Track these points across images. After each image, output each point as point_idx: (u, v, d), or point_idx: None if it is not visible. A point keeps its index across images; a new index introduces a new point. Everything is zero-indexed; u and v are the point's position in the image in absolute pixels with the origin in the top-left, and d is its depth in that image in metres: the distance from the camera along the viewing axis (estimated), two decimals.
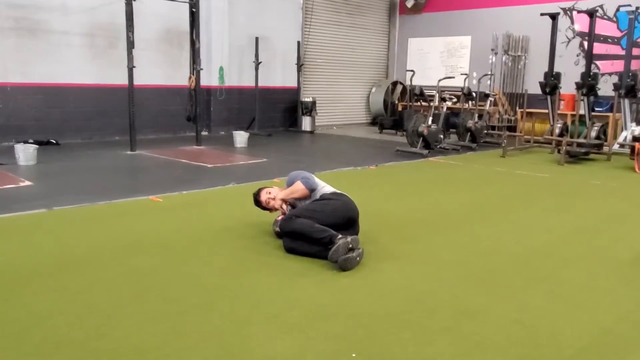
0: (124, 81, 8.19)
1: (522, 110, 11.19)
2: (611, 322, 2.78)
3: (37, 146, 7.11)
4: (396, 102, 13.44)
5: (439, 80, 9.73)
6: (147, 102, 9.82)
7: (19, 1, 8.32)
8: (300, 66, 11.91)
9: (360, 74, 14.06)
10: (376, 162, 7.69)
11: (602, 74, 10.94)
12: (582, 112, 9.34)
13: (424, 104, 11.75)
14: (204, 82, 9.70)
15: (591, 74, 9.01)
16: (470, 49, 13.02)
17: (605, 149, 8.88)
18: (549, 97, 9.52)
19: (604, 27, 10.93)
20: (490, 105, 10.95)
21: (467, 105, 10.81)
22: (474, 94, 10.61)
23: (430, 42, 13.72)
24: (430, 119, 8.95)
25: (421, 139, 8.66)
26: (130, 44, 7.87)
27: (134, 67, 7.98)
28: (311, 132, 11.75)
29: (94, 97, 9.30)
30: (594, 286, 3.27)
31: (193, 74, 8.91)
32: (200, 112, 9.18)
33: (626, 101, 9.44)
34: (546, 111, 9.89)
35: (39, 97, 8.73)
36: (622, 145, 9.07)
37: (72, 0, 8.84)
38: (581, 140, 8.79)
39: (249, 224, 4.41)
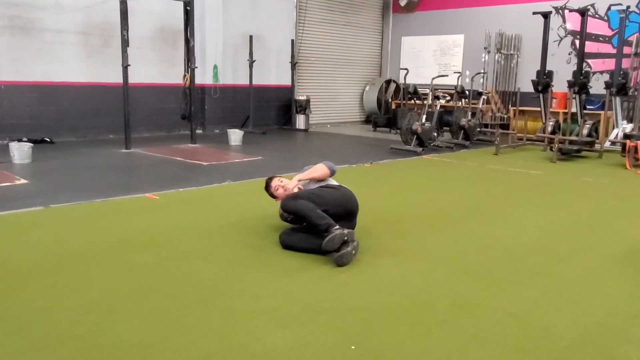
0: (119, 79, 8.19)
1: (514, 108, 11.27)
2: (603, 315, 2.83)
3: (31, 144, 7.10)
4: (390, 100, 13.50)
5: (433, 79, 9.78)
6: (142, 100, 9.82)
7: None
8: (294, 64, 11.94)
9: (354, 72, 14.10)
10: (370, 159, 7.74)
11: (594, 73, 11.03)
12: (574, 110, 9.42)
13: (417, 102, 11.81)
14: (198, 80, 9.73)
15: (583, 72, 9.09)
16: (463, 47, 13.09)
17: (597, 146, 8.97)
18: (541, 95, 9.60)
19: (595, 26, 11.03)
20: (483, 104, 11.02)
21: (460, 103, 10.89)
22: (467, 92, 10.69)
23: (424, 40, 13.78)
24: (424, 117, 9.00)
25: (415, 136, 8.71)
26: (125, 43, 7.87)
27: (129, 65, 7.99)
28: (305, 130, 11.79)
29: (88, 95, 9.29)
30: (587, 280, 3.33)
31: (187, 72, 8.92)
32: (195, 110, 9.20)
33: (617, 99, 9.54)
34: (538, 109, 9.97)
35: (34, 96, 8.72)
36: (613, 143, 9.15)
37: None
38: (573, 137, 8.87)
39: (246, 221, 4.44)
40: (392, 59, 14.50)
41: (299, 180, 4.06)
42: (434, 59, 13.64)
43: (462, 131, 9.93)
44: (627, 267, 3.59)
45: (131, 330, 2.54)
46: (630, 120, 9.50)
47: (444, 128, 10.84)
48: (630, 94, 9.65)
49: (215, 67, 10.80)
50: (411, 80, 12.02)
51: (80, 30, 9.06)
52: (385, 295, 3.02)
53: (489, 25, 12.20)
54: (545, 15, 9.51)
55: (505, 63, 12.25)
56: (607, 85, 9.23)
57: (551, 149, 8.69)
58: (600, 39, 11.12)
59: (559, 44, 11.57)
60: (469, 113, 10.26)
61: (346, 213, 3.87)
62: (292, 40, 11.93)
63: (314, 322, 2.66)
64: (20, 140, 7.56)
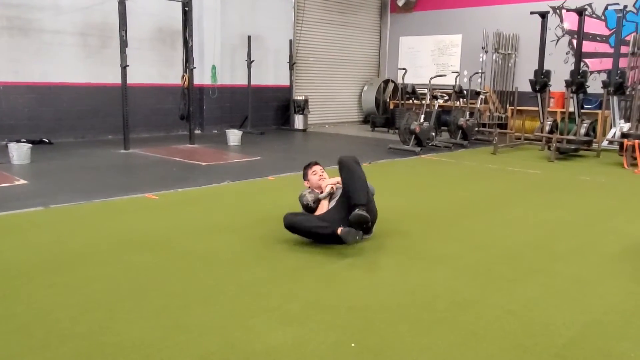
0: (117, 80, 8.20)
1: (512, 107, 11.30)
2: (601, 312, 2.85)
3: (30, 145, 7.11)
4: (388, 100, 13.52)
5: (431, 79, 9.81)
6: (140, 100, 9.83)
7: (11, 0, 8.31)
8: (292, 65, 11.95)
9: (352, 72, 14.12)
10: (369, 159, 7.76)
11: (591, 72, 11.06)
12: (571, 109, 9.45)
13: (415, 102, 11.85)
14: (196, 80, 9.73)
15: (580, 71, 9.12)
16: (461, 47, 13.12)
17: (595, 145, 9.00)
18: (539, 95, 9.63)
19: (592, 26, 11.06)
20: (481, 103, 11.05)
21: (458, 103, 10.91)
22: (465, 92, 10.71)
23: (422, 40, 13.81)
24: (422, 116, 9.03)
25: (413, 136, 8.74)
26: (124, 43, 7.88)
27: (127, 66, 8.00)
28: (304, 131, 11.80)
29: (87, 96, 9.29)
30: (585, 278, 3.35)
31: (186, 73, 8.93)
32: (193, 110, 9.20)
33: (615, 98, 9.57)
34: (536, 109, 10.01)
35: (32, 96, 8.72)
36: (611, 142, 9.18)
37: (64, 0, 8.83)
38: (571, 137, 8.90)
39: (245, 220, 4.46)
40: (390, 59, 14.52)
41: (338, 183, 4.09)
42: (432, 58, 13.67)
43: (460, 131, 9.95)
44: (625, 264, 3.62)
45: (132, 329, 2.56)
46: (627, 120, 9.53)
47: (442, 128, 10.87)
48: (628, 93, 9.68)
49: (214, 67, 10.82)
50: (409, 80, 12.05)
51: (78, 31, 9.07)
52: (384, 293, 3.04)
53: (487, 25, 12.23)
54: (543, 15, 9.54)
55: (503, 63, 12.28)
56: (605, 85, 9.26)
57: (549, 148, 8.71)
58: (598, 38, 11.16)
59: (556, 44, 11.60)
60: (467, 113, 10.29)
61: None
62: (290, 41, 11.95)
63: (314, 320, 2.68)
64: (19, 141, 7.57)
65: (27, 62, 8.58)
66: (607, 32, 11.04)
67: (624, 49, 10.11)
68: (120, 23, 7.85)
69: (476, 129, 10.32)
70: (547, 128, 9.49)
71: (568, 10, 10.33)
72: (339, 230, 3.62)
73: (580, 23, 9.11)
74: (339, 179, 4.05)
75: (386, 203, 5.29)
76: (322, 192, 4.15)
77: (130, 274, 3.26)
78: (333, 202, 4.03)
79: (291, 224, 3.80)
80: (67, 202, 4.91)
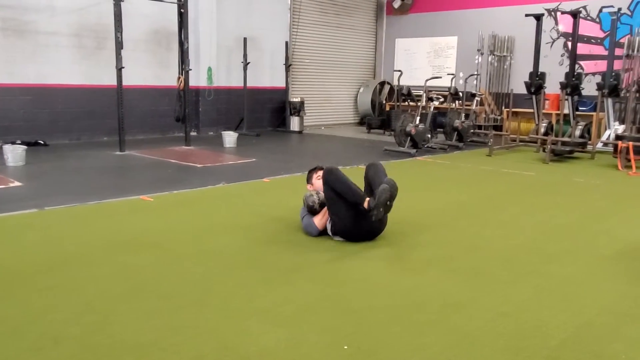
0: (113, 82, 8.20)
1: (508, 109, 11.32)
2: (594, 314, 2.87)
3: (25, 147, 7.09)
4: (384, 102, 13.54)
5: (426, 81, 9.83)
6: (136, 102, 9.82)
7: (6, 2, 8.29)
8: (288, 66, 11.96)
9: (348, 74, 14.14)
10: (364, 161, 7.74)
11: (586, 74, 11.12)
12: (566, 111, 9.49)
13: (411, 104, 11.86)
14: (192, 82, 9.73)
15: (575, 74, 9.16)
16: (456, 49, 13.15)
17: (589, 147, 9.03)
18: (534, 97, 9.66)
19: (587, 28, 11.11)
20: (476, 105, 11.09)
21: (454, 105, 10.94)
22: (460, 94, 10.74)
23: (417, 42, 13.84)
24: (418, 118, 9.04)
25: (409, 138, 8.75)
26: (119, 45, 7.88)
27: (123, 67, 7.99)
28: (299, 132, 11.81)
29: (82, 97, 9.28)
30: (578, 280, 3.36)
31: (182, 75, 8.93)
32: (189, 112, 9.21)
33: (609, 100, 9.63)
34: (531, 110, 10.04)
35: (27, 98, 8.70)
36: (605, 144, 9.23)
37: (59, 1, 8.82)
38: (566, 139, 8.93)
39: (240, 222, 4.46)
40: (386, 61, 14.55)
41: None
42: (427, 60, 13.70)
43: (456, 133, 9.97)
44: (618, 266, 3.63)
45: (126, 330, 2.56)
46: (622, 122, 9.57)
47: (438, 130, 10.90)
48: (622, 95, 9.73)
49: (210, 69, 10.82)
50: (405, 82, 12.08)
51: (73, 33, 9.06)
52: (378, 295, 3.05)
53: (482, 27, 12.28)
54: (538, 18, 9.57)
55: (498, 65, 12.32)
56: (599, 87, 9.30)
57: (544, 150, 8.74)
58: (592, 40, 11.20)
59: (551, 46, 11.65)
60: (463, 115, 10.32)
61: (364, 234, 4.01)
62: (286, 42, 11.96)
63: (307, 322, 2.69)
64: (13, 143, 7.55)
65: (22, 63, 8.57)
66: (601, 35, 11.09)
67: (618, 51, 10.17)
68: (116, 25, 7.85)
69: (472, 130, 10.34)
70: (542, 130, 9.52)
71: (563, 12, 10.37)
72: (367, 200, 3.75)
73: (575, 25, 9.16)
74: None
75: None
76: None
77: (124, 275, 3.26)
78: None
79: (334, 171, 3.92)
80: (62, 204, 4.90)
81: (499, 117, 12.07)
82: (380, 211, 3.71)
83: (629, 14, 10.71)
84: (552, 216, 4.97)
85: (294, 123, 11.89)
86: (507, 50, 12.23)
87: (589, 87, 10.54)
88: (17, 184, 5.78)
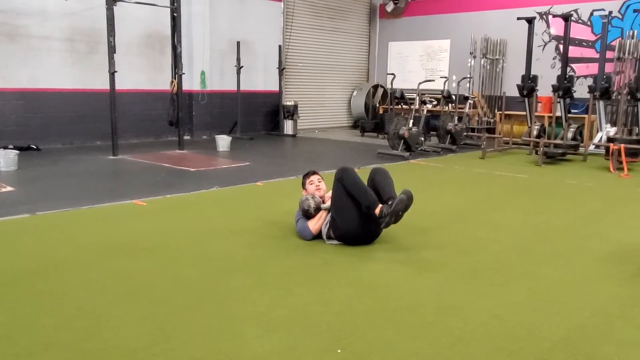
0: (106, 86, 8.17)
1: (500, 112, 11.36)
2: (586, 316, 2.88)
3: (17, 152, 7.06)
4: (377, 105, 13.57)
5: (419, 84, 9.85)
6: (129, 106, 9.80)
7: None
8: (281, 70, 11.97)
9: (341, 77, 14.16)
10: (358, 164, 7.77)
11: (578, 77, 11.18)
12: (558, 114, 9.53)
13: (404, 107, 11.89)
14: (185, 86, 9.71)
15: (567, 76, 9.21)
16: (449, 52, 13.20)
17: (581, 149, 9.08)
18: (526, 100, 9.70)
19: (578, 31, 11.18)
20: (469, 108, 11.12)
21: (447, 108, 10.97)
22: (453, 97, 10.78)
23: (410, 45, 13.89)
24: (411, 121, 9.07)
25: (402, 141, 8.77)
26: (112, 49, 7.86)
27: (116, 71, 7.97)
28: (293, 136, 11.81)
29: (75, 102, 9.25)
30: (570, 282, 3.38)
31: (175, 79, 8.92)
32: (183, 116, 9.19)
33: (601, 103, 9.68)
34: (524, 113, 10.08)
35: (19, 103, 8.66)
36: (597, 146, 9.28)
37: (52, 5, 8.80)
38: (558, 141, 8.97)
39: (233, 226, 4.45)
40: (380, 64, 14.59)
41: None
42: (420, 64, 13.74)
43: (449, 135, 10.01)
44: (610, 268, 3.65)
45: (117, 336, 2.54)
46: (613, 124, 9.63)
47: (431, 132, 10.92)
48: (614, 97, 9.79)
49: (203, 73, 10.81)
50: (398, 85, 12.11)
51: (66, 37, 9.03)
52: (371, 298, 3.05)
53: (475, 31, 12.33)
54: (530, 21, 9.63)
55: (491, 68, 12.38)
56: (591, 90, 9.35)
57: (536, 153, 8.78)
58: (584, 43, 11.28)
59: (543, 49, 11.71)
60: (456, 117, 10.35)
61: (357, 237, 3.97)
62: (280, 46, 11.96)
63: (301, 326, 2.68)
64: (6, 148, 7.52)
65: (15, 67, 8.53)
66: (592, 38, 11.17)
67: (609, 54, 10.23)
68: (108, 29, 7.83)
69: (465, 133, 10.38)
70: (535, 132, 9.56)
71: (554, 16, 10.45)
72: (379, 207, 3.73)
73: (567, 28, 9.22)
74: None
75: None
76: (324, 202, 4.14)
77: (116, 280, 3.25)
78: (329, 217, 4.04)
79: (349, 171, 3.94)
80: (54, 209, 4.88)
81: (491, 120, 12.12)
82: (391, 220, 3.71)
83: (620, 17, 10.78)
84: (545, 218, 4.99)
85: (288, 126, 11.89)
86: (500, 53, 12.29)
87: (580, 90, 10.60)
88: (9, 188, 5.75)
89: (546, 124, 10.05)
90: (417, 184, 6.82)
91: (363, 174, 7.35)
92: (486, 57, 12.26)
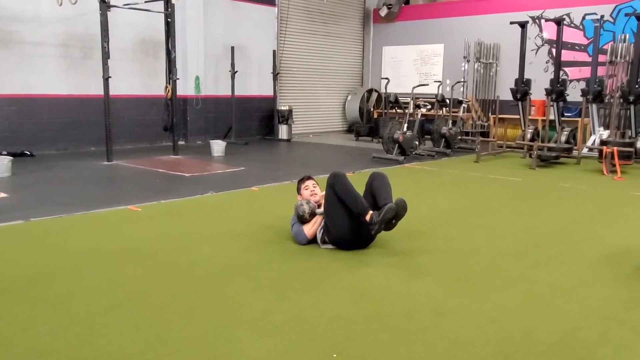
0: (100, 91, 8.15)
1: (494, 116, 11.42)
2: (581, 318, 2.89)
3: (11, 158, 7.03)
4: (372, 109, 13.59)
5: (413, 88, 9.89)
6: (123, 112, 9.78)
7: None
8: (276, 75, 11.98)
9: (336, 82, 14.19)
10: (353, 169, 7.78)
11: (571, 80, 11.24)
12: (552, 117, 9.58)
13: (398, 111, 11.93)
14: (180, 91, 9.71)
15: (560, 80, 9.26)
16: (443, 56, 13.25)
17: (575, 152, 9.12)
18: (520, 103, 9.75)
19: (571, 35, 11.25)
20: (463, 112, 11.16)
21: (441, 112, 11.01)
22: (447, 101, 10.81)
23: (404, 50, 13.93)
24: (405, 125, 9.09)
25: (397, 145, 8.79)
26: (106, 55, 7.84)
27: (110, 77, 7.95)
28: (288, 141, 11.81)
29: (69, 107, 9.22)
30: (565, 285, 3.39)
31: (169, 84, 8.91)
32: (177, 121, 9.17)
33: (594, 106, 9.74)
34: (518, 117, 10.12)
35: (13, 108, 8.63)
36: (590, 149, 9.32)
37: (46, 11, 8.77)
38: (552, 144, 9.01)
39: (229, 232, 4.45)
40: (374, 69, 14.63)
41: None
42: (414, 68, 13.79)
43: (443, 139, 10.03)
44: (604, 271, 3.66)
45: (112, 342, 2.53)
46: (606, 127, 9.69)
47: (426, 136, 10.95)
48: (606, 101, 9.85)
49: (197, 78, 10.81)
50: (392, 89, 12.14)
51: (60, 42, 9.01)
52: (366, 303, 3.05)
53: (468, 35, 12.38)
54: (523, 25, 9.68)
55: (484, 72, 12.43)
56: (584, 93, 9.41)
57: (530, 156, 8.81)
58: (576, 47, 11.34)
59: (536, 53, 11.78)
60: (450, 121, 10.38)
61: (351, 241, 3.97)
62: (274, 51, 11.98)
63: (297, 331, 2.68)
64: None
65: (8, 73, 8.50)
66: (585, 41, 11.23)
67: (602, 58, 10.29)
68: (102, 34, 7.81)
69: (459, 137, 10.41)
70: (529, 136, 9.60)
71: (547, 20, 10.50)
72: (369, 214, 3.73)
73: (559, 32, 9.27)
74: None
75: None
76: (319, 207, 4.14)
77: (111, 286, 3.23)
78: (324, 222, 4.04)
79: (340, 176, 3.89)
80: (48, 215, 4.86)
81: (485, 124, 12.16)
82: (381, 227, 3.72)
83: (612, 21, 10.86)
84: (539, 221, 5.01)
85: (282, 131, 11.90)
86: (493, 58, 12.34)
87: (573, 93, 10.66)
88: (3, 195, 5.72)
89: (540, 128, 10.10)
90: (411, 188, 6.84)
91: (358, 178, 7.37)
92: (480, 61, 12.31)
